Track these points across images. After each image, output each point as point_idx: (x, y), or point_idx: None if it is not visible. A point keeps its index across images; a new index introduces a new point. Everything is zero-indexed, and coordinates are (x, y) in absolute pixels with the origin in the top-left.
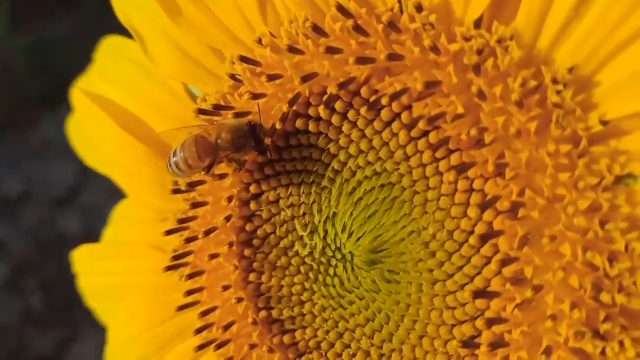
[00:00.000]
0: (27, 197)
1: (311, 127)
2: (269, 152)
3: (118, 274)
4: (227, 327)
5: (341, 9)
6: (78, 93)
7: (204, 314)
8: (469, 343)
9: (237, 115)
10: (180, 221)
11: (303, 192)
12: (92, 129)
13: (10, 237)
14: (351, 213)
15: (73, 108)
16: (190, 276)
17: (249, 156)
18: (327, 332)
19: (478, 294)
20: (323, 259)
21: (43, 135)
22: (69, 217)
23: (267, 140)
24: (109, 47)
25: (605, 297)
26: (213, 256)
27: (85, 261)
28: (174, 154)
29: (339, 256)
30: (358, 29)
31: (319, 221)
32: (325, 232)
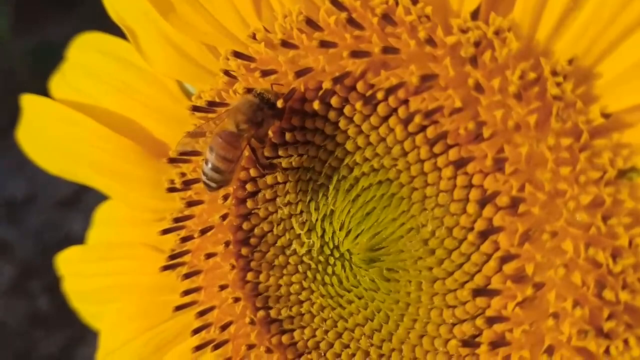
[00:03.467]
0: (32, 199)
1: (307, 123)
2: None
3: (108, 276)
4: (225, 327)
5: (335, 2)
6: (31, 97)
7: (202, 314)
8: (470, 342)
9: None
10: (177, 220)
11: (300, 190)
12: (61, 132)
13: (15, 239)
14: (349, 211)
15: (24, 113)
16: (188, 276)
17: (272, 127)
18: (326, 331)
19: (478, 292)
20: (321, 258)
21: None
22: (74, 218)
23: (280, 103)
24: (86, 44)
25: (608, 295)
26: (210, 255)
27: (71, 264)
28: (206, 162)
29: (337, 254)
30: (352, 22)
31: (317, 219)
32: (323, 230)
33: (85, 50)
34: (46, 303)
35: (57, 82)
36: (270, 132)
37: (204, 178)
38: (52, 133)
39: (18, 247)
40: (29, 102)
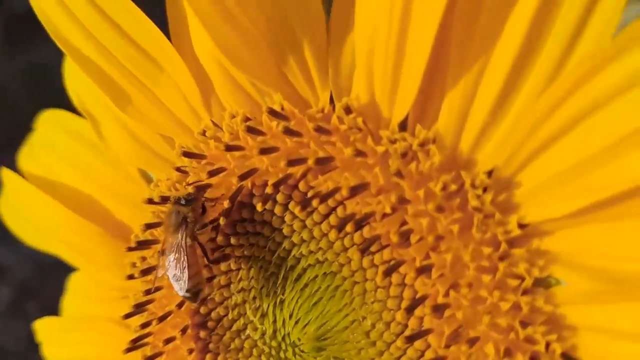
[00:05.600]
0: None
1: (256, 216)
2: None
3: (81, 346)
4: None
5: (272, 111)
6: (8, 172)
7: None
8: None
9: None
10: (137, 306)
11: (252, 278)
12: (32, 211)
13: (11, 261)
14: (297, 300)
15: (3, 186)
16: (150, 358)
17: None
18: None
19: None
20: (274, 343)
21: None
22: None
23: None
24: (52, 121)
25: None
26: (170, 340)
27: (48, 332)
28: (175, 285)
29: (288, 341)
30: (290, 131)
31: (268, 306)
32: (275, 317)
33: (52, 127)
34: None
35: (26, 155)
36: (222, 221)
37: (182, 295)
38: (25, 210)
39: (14, 269)
40: (7, 177)
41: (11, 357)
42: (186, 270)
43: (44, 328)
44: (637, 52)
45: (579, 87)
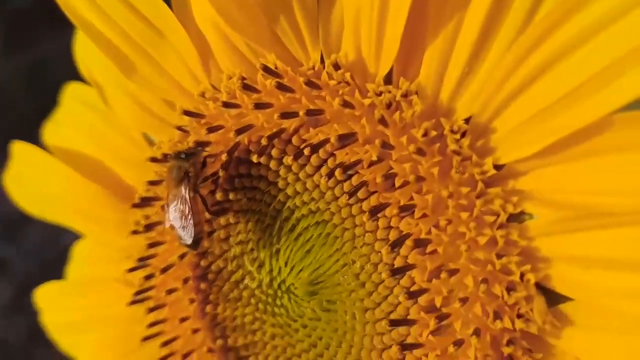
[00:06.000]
0: (29, 217)
1: (253, 171)
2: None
3: (84, 309)
4: (186, 356)
5: (266, 69)
6: (20, 144)
7: (166, 343)
8: None
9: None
10: (140, 259)
11: (250, 230)
12: (42, 180)
13: (13, 256)
14: (292, 249)
15: (12, 159)
16: (153, 309)
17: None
18: (277, 357)
19: (400, 322)
20: (270, 291)
21: None
22: (72, 235)
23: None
24: (72, 93)
25: (506, 323)
26: (172, 291)
27: (50, 298)
28: (177, 234)
29: (284, 288)
30: (282, 86)
31: (265, 256)
32: (271, 266)
33: (72, 99)
34: None
35: (50, 128)
36: (221, 175)
37: (184, 243)
38: (34, 180)
39: (16, 264)
40: (17, 149)
41: (13, 352)
42: (191, 220)
43: (44, 294)
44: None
45: (545, 37)
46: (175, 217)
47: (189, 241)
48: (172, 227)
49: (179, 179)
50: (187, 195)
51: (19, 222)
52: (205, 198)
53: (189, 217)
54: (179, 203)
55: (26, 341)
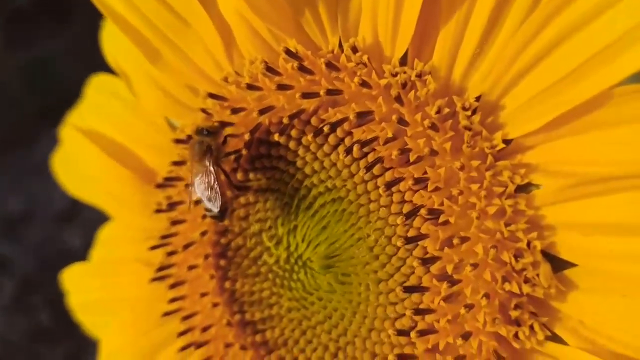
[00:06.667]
0: (30, 214)
1: (272, 151)
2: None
3: (108, 289)
4: (205, 329)
5: (289, 52)
6: (68, 129)
7: (186, 318)
8: (404, 331)
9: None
10: (163, 237)
11: (268, 209)
12: (83, 162)
13: (15, 255)
14: (309, 225)
15: (61, 143)
16: (174, 286)
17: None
18: (293, 330)
19: (413, 289)
20: (287, 266)
21: (43, 152)
22: (72, 233)
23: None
24: (97, 84)
25: (514, 288)
26: (192, 267)
27: (76, 279)
28: (205, 206)
29: (300, 263)
30: (303, 68)
31: (283, 233)
32: (289, 242)
33: (97, 90)
34: (47, 317)
35: (75, 117)
36: (244, 153)
37: (211, 214)
38: (77, 163)
39: (17, 263)
40: (65, 133)
41: (15, 350)
42: (218, 190)
43: (70, 276)
44: None
45: (550, 19)
46: (201, 189)
47: (216, 210)
48: (197, 202)
49: (202, 152)
50: (212, 168)
51: (20, 220)
52: (229, 174)
53: (215, 187)
54: (204, 175)
55: (27, 339)
